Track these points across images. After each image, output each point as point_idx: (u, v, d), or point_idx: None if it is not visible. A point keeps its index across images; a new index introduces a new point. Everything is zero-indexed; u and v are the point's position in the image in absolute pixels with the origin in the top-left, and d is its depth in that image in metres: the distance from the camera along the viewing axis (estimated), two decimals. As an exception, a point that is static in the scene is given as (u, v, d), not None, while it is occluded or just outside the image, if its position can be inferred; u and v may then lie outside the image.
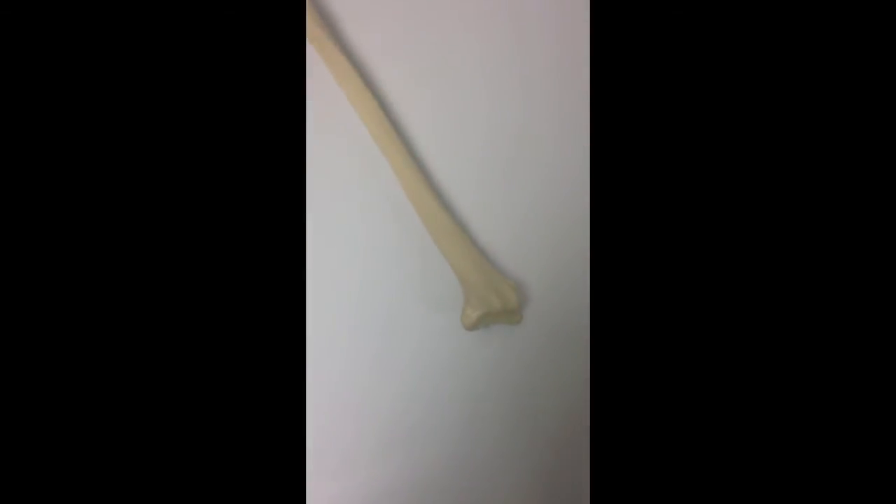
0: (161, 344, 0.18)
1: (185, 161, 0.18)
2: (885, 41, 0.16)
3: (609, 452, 0.17)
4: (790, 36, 0.16)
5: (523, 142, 0.37)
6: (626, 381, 0.17)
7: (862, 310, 0.16)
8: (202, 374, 0.18)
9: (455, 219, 0.36)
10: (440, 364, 0.36)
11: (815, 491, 0.15)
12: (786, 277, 0.16)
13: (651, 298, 0.17)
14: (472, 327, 0.34)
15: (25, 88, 0.17)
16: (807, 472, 0.16)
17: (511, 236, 0.37)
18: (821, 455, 0.16)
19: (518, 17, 0.39)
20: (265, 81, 0.19)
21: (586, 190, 0.36)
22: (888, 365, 0.15)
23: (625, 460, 0.17)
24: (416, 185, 0.35)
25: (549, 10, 0.38)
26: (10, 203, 0.17)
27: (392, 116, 0.37)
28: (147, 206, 0.18)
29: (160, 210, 0.18)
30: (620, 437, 0.17)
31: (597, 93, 0.18)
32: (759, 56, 0.16)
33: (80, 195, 0.17)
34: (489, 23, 0.39)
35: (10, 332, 0.17)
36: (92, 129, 0.18)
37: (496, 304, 0.33)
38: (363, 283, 0.37)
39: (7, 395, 0.17)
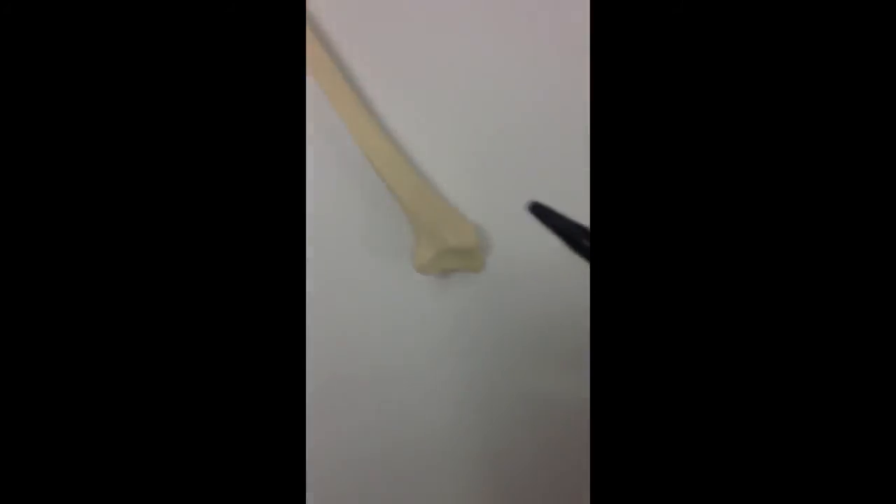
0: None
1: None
2: (885, 41, 0.16)
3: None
4: (789, 32, 0.16)
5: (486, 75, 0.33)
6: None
7: (862, 310, 0.16)
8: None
9: (403, 154, 0.31)
10: (393, 317, 0.31)
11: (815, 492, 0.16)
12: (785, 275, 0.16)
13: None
14: (425, 269, 0.30)
15: (24, 89, 0.17)
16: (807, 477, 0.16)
17: (469, 178, 0.32)
18: (820, 457, 0.16)
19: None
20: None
21: (557, 125, 0.31)
22: (888, 365, 0.15)
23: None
24: (353, 110, 0.30)
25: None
26: (10, 203, 0.17)
27: (333, 47, 0.32)
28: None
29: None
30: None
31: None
32: (760, 54, 0.17)
33: (81, 204, 0.17)
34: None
35: (11, 332, 0.17)
36: (93, 137, 0.17)
37: (452, 241, 0.29)
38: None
39: (7, 396, 0.17)
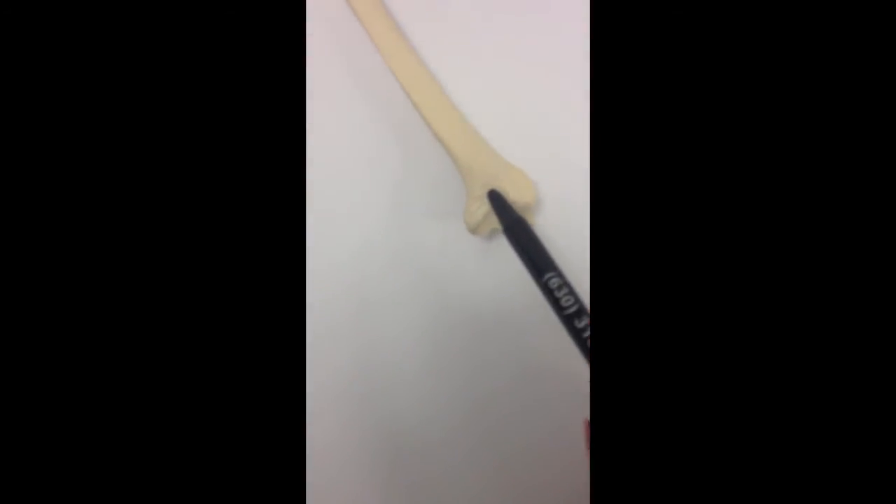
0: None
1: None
2: (885, 41, 0.16)
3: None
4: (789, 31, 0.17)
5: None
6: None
7: (862, 310, 0.16)
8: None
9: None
10: (439, 280, 0.28)
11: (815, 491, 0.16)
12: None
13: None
14: (477, 227, 0.26)
15: (24, 88, 0.17)
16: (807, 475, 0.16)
17: (516, 137, 0.30)
18: (821, 456, 0.16)
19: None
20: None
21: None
22: (888, 365, 0.16)
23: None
24: (405, 59, 0.28)
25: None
26: (10, 203, 0.17)
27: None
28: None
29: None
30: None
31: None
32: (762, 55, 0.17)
33: (77, 191, 0.17)
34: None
35: (11, 332, 0.17)
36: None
37: (512, 195, 0.26)
38: (354, 183, 0.30)
39: (7, 396, 0.17)
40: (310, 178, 0.29)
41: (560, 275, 0.22)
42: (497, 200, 0.25)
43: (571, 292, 0.22)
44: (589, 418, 0.21)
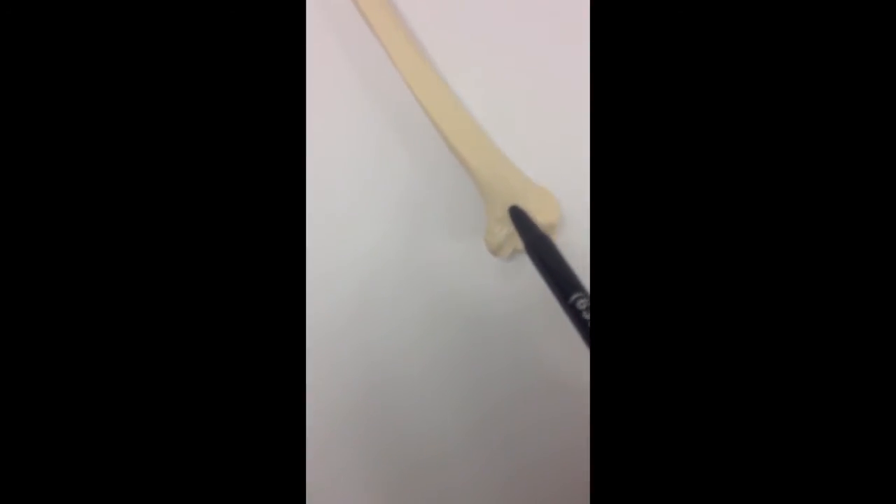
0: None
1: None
2: (886, 41, 0.16)
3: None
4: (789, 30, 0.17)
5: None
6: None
7: (862, 310, 0.16)
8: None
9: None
10: (460, 303, 0.28)
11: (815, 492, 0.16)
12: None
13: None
14: (499, 249, 0.26)
15: (23, 88, 0.17)
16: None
17: (537, 149, 0.29)
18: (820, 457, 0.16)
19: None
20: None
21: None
22: (888, 365, 0.16)
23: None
24: (421, 71, 0.27)
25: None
26: (10, 203, 0.17)
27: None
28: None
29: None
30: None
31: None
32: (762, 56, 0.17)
33: (73, 195, 0.17)
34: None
35: (10, 332, 0.17)
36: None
37: (537, 217, 0.25)
38: (367, 204, 0.29)
39: (7, 395, 0.17)
40: (312, 187, 0.28)
41: (587, 295, 0.22)
42: (519, 217, 0.25)
43: (600, 314, 0.21)
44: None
